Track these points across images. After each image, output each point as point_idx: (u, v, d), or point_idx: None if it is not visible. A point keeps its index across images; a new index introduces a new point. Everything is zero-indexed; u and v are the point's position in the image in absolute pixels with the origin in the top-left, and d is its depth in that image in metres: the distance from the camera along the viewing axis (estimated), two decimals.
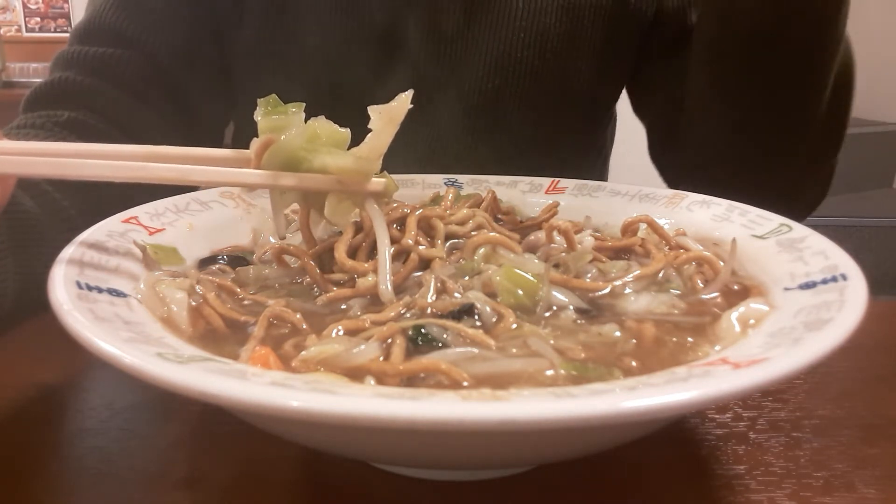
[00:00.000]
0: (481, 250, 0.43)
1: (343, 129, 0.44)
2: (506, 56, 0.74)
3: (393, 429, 0.24)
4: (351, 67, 0.74)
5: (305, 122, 0.43)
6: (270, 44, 0.74)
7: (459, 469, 0.34)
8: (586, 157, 0.86)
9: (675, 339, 0.35)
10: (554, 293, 0.39)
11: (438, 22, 0.73)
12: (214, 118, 0.81)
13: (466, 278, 0.41)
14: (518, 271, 0.39)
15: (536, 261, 0.43)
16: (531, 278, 0.39)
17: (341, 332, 0.35)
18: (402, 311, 0.37)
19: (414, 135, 0.65)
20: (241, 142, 0.86)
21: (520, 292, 0.38)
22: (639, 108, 0.84)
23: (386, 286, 0.39)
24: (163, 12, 0.72)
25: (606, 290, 0.41)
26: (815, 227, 0.42)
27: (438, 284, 0.39)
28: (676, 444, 0.38)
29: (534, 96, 0.76)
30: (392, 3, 0.72)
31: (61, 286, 0.32)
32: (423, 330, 0.34)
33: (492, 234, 0.45)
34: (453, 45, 0.74)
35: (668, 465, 0.37)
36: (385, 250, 0.41)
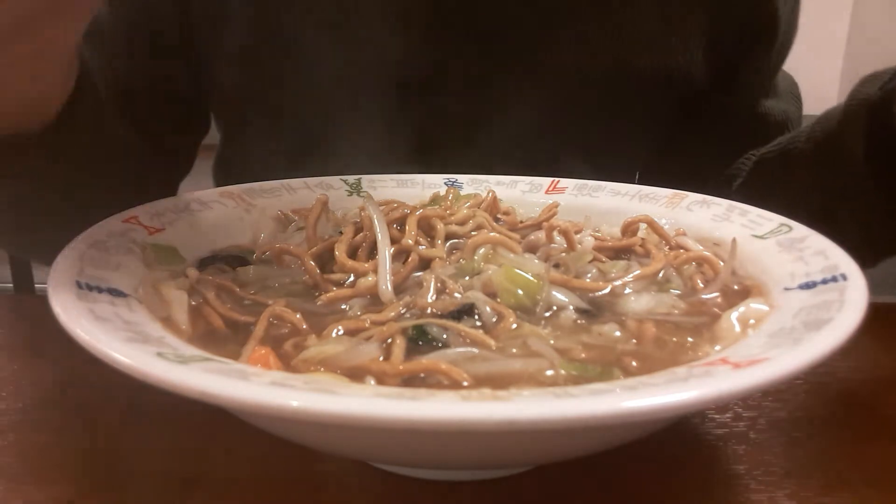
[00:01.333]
0: (481, 250, 0.43)
1: None
2: (536, 120, 0.67)
3: (392, 429, 0.24)
4: (352, 103, 0.66)
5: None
6: (258, 81, 0.67)
7: (459, 469, 0.34)
8: None
9: (675, 339, 0.35)
10: (554, 293, 0.39)
11: (473, 74, 0.66)
12: (185, 147, 0.73)
13: (466, 278, 0.41)
14: (518, 271, 0.39)
15: (536, 261, 0.43)
16: (531, 278, 0.39)
17: (341, 332, 0.35)
18: (402, 311, 0.37)
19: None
20: (225, 168, 0.81)
21: (520, 292, 0.38)
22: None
23: (386, 286, 0.39)
24: (120, 42, 0.64)
25: (606, 290, 0.41)
26: None
27: (438, 284, 0.39)
28: (676, 444, 0.38)
29: (564, 159, 0.69)
30: (412, 47, 0.64)
31: (61, 286, 0.32)
32: (423, 330, 0.34)
33: (492, 234, 0.45)
34: (486, 92, 0.67)
35: (668, 465, 0.37)
36: (385, 250, 0.41)
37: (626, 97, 0.68)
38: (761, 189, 0.67)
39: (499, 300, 0.38)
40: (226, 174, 0.79)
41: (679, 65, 0.67)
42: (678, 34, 0.66)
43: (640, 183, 0.74)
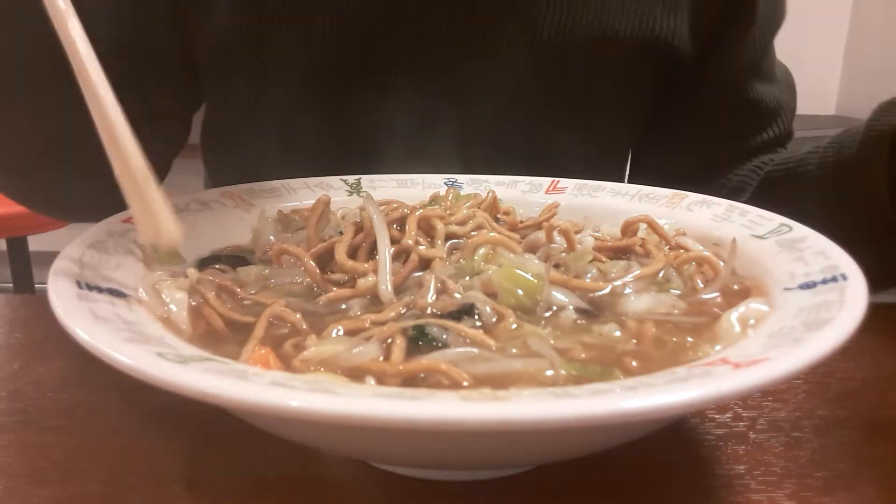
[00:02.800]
0: (481, 250, 0.43)
1: None
2: (515, 90, 0.66)
3: (392, 429, 0.24)
4: (337, 76, 0.66)
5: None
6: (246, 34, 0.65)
7: (459, 469, 0.34)
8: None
9: (675, 339, 0.35)
10: (554, 293, 0.39)
11: (452, 47, 0.65)
12: (176, 112, 0.71)
13: (466, 278, 0.41)
14: (518, 271, 0.39)
15: (536, 261, 0.43)
16: (531, 278, 0.39)
17: (341, 332, 0.35)
18: (402, 312, 0.37)
19: (421, 152, 0.63)
20: (212, 135, 0.80)
21: (520, 292, 0.38)
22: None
23: (386, 286, 0.39)
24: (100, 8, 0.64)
25: (606, 290, 0.41)
26: None
27: (438, 284, 0.39)
28: (676, 444, 0.38)
29: (541, 126, 0.69)
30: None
31: (61, 286, 0.32)
32: (423, 330, 0.34)
33: (492, 234, 0.45)
34: (461, 67, 0.66)
35: (668, 465, 0.37)
36: (385, 250, 0.41)
37: (609, 65, 0.67)
38: (771, 209, 0.66)
39: (499, 300, 0.38)
40: (213, 143, 0.78)
41: (663, 33, 0.66)
42: (661, 3, 0.66)
43: (633, 180, 0.74)
